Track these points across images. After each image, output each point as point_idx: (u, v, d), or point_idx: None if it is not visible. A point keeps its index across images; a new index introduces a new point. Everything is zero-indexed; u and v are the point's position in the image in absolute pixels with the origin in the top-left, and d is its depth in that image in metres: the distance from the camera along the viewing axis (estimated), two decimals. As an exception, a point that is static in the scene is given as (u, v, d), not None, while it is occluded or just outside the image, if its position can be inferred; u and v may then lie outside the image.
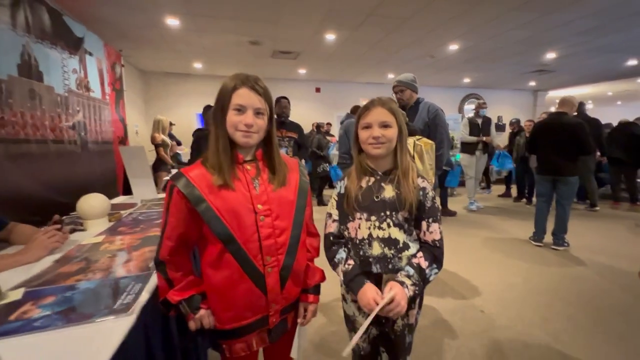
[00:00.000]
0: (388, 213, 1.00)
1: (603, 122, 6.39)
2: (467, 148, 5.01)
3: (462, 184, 5.72)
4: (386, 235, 1.00)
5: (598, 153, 5.07)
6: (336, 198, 1.10)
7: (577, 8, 3.71)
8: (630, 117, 5.42)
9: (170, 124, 4.67)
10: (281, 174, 0.92)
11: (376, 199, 1.01)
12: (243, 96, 0.83)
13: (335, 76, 7.60)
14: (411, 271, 0.97)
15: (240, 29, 4.26)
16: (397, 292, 0.92)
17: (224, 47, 5.07)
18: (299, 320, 1.00)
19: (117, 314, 0.78)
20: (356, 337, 0.84)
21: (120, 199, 2.42)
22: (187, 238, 0.86)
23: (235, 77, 0.85)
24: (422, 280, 0.97)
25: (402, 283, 0.95)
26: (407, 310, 1.06)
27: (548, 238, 3.46)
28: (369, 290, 0.97)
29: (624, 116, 5.59)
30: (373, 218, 1.01)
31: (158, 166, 4.14)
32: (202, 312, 0.86)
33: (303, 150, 3.20)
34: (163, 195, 2.43)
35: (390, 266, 1.01)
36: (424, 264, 0.98)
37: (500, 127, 6.27)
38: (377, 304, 0.91)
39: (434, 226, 1.01)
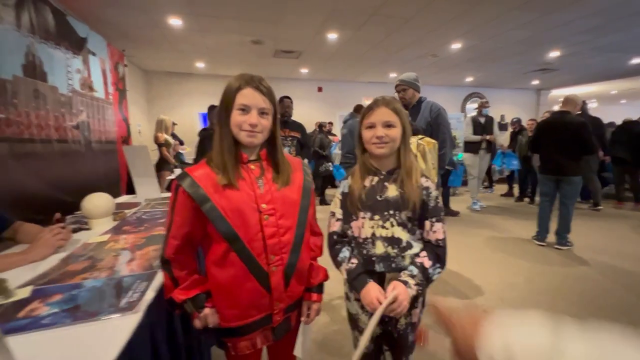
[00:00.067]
0: (391, 212, 1.00)
1: (607, 121, 6.35)
2: (470, 147, 4.98)
3: (464, 183, 5.70)
4: (389, 235, 1.01)
5: (601, 152, 5.04)
6: (340, 197, 1.11)
7: (579, 7, 3.70)
8: (635, 115, 5.39)
9: (173, 123, 4.68)
10: (285, 173, 0.92)
11: (380, 198, 1.01)
12: (247, 96, 0.83)
13: (338, 75, 7.60)
14: (415, 271, 0.97)
15: (242, 28, 4.27)
16: (400, 291, 0.93)
17: (227, 46, 5.08)
18: (302, 319, 1.00)
19: (123, 312, 0.79)
20: (365, 341, 0.84)
21: (124, 198, 2.43)
22: (192, 237, 0.87)
23: (239, 77, 0.85)
24: (426, 279, 0.98)
25: (405, 283, 0.96)
26: (410, 309, 1.07)
27: (551, 238, 3.45)
28: (372, 289, 0.97)
29: (629, 115, 5.56)
30: (376, 217, 1.01)
31: (161, 165, 4.15)
32: (206, 310, 0.87)
33: (306, 149, 3.21)
34: (166, 194, 2.45)
35: (393, 265, 1.02)
36: (428, 263, 0.98)
37: (502, 127, 6.24)
38: (381, 303, 0.92)
39: (438, 226, 1.01)
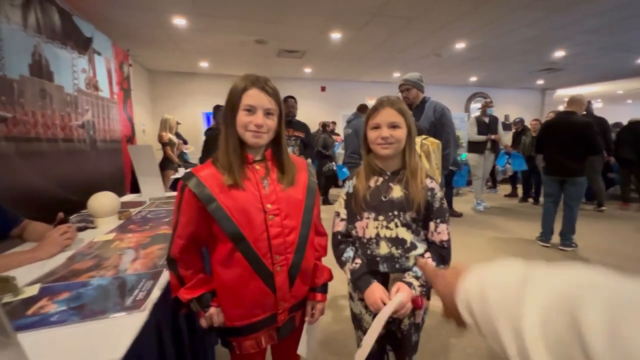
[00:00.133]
0: (396, 213, 1.00)
1: (613, 121, 6.30)
2: (475, 147, 4.92)
3: (468, 183, 5.68)
4: (394, 235, 1.01)
5: (605, 153, 4.99)
6: (344, 197, 1.11)
7: (584, 7, 3.66)
8: (641, 116, 5.33)
9: (177, 123, 4.70)
10: (290, 173, 0.93)
11: (384, 199, 1.01)
12: (253, 97, 0.84)
13: (341, 75, 7.59)
14: (419, 273, 0.97)
15: (246, 28, 4.28)
16: (404, 295, 0.93)
17: (230, 46, 5.09)
18: (306, 319, 1.01)
19: (129, 310, 0.80)
20: (370, 343, 0.84)
21: (129, 197, 2.45)
22: (198, 236, 0.88)
23: (245, 78, 0.86)
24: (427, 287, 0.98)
25: (409, 284, 0.96)
26: (414, 310, 1.07)
27: (555, 239, 3.43)
28: (376, 290, 0.98)
29: (635, 115, 5.50)
30: (381, 218, 1.02)
31: (165, 165, 4.17)
32: (212, 310, 0.88)
33: (309, 149, 3.21)
34: (170, 193, 2.46)
35: (397, 266, 1.02)
36: (432, 264, 0.99)
37: (507, 126, 6.18)
38: (385, 304, 0.92)
39: (442, 227, 1.01)
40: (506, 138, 5.53)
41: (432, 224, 1.02)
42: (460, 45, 5.15)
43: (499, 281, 0.38)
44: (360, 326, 1.17)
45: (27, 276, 1.00)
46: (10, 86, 2.06)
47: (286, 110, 3.10)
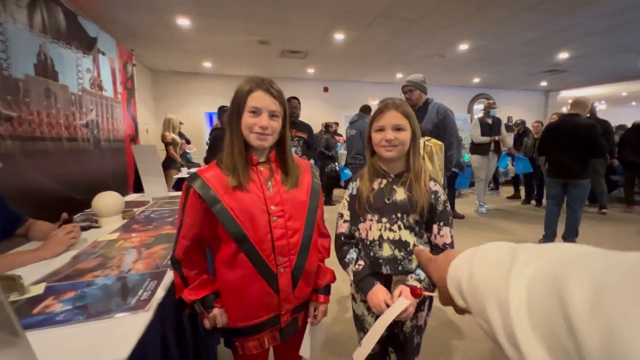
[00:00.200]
0: (399, 215, 1.01)
1: (617, 123, 6.26)
2: (479, 149, 4.88)
3: (471, 184, 5.66)
4: (397, 237, 1.01)
5: (607, 156, 4.97)
6: (348, 199, 1.12)
7: (588, 9, 3.65)
8: (645, 118, 5.29)
9: (180, 123, 4.72)
10: (294, 175, 0.93)
11: (388, 201, 1.02)
12: (258, 99, 0.84)
13: (344, 76, 7.59)
14: (422, 275, 0.98)
15: (249, 28, 4.29)
16: (407, 302, 0.93)
17: (234, 46, 5.10)
18: (309, 320, 1.01)
19: (134, 310, 0.81)
20: (371, 344, 0.84)
21: (132, 197, 2.46)
22: (202, 237, 0.88)
23: (250, 80, 0.86)
24: (433, 284, 0.98)
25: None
26: (416, 312, 1.07)
27: (558, 241, 3.41)
28: (379, 292, 0.98)
29: (639, 117, 5.47)
30: (384, 220, 1.02)
31: (168, 164, 4.19)
32: (215, 311, 0.88)
33: (312, 150, 3.22)
34: (173, 193, 2.47)
35: (400, 268, 1.02)
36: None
37: (510, 128, 6.15)
38: (388, 306, 0.92)
39: (445, 230, 1.01)
40: (509, 140, 5.51)
41: (435, 227, 1.02)
42: (463, 47, 5.14)
43: (486, 260, 0.37)
44: (362, 327, 1.17)
45: (32, 275, 1.00)
46: (16, 86, 2.07)
47: (290, 111, 3.10)
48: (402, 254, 1.01)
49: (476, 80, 8.10)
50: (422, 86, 2.52)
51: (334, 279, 1.05)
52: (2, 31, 1.97)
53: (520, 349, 0.27)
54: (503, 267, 0.32)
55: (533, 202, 5.62)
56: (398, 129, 0.98)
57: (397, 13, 3.75)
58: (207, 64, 6.36)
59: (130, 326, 0.75)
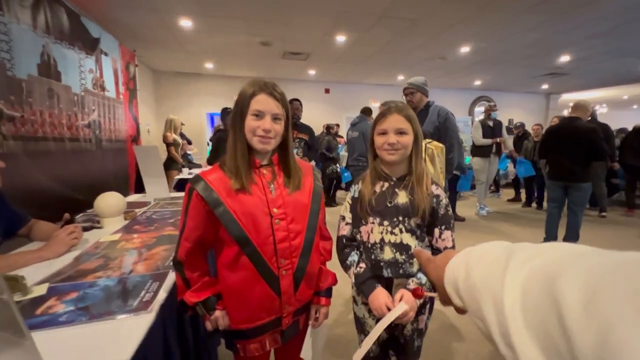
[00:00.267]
0: (401, 219, 1.01)
1: (618, 126, 6.27)
2: (480, 151, 4.87)
3: (472, 187, 5.66)
4: (398, 241, 1.01)
5: (608, 160, 4.96)
6: (350, 201, 1.12)
7: (589, 11, 3.65)
8: (646, 122, 5.29)
9: (181, 124, 4.74)
10: (296, 178, 0.93)
11: (389, 204, 1.02)
12: (261, 102, 0.85)
13: (345, 77, 7.60)
14: (423, 279, 0.98)
15: (251, 30, 4.30)
16: (407, 303, 0.93)
17: (235, 47, 5.11)
18: (310, 322, 1.01)
19: (137, 312, 0.81)
20: (368, 344, 0.85)
21: (134, 197, 2.46)
22: (204, 240, 0.88)
23: (253, 83, 0.86)
24: (433, 286, 0.98)
25: None
26: (417, 316, 1.08)
27: (559, 244, 3.41)
28: (380, 295, 0.98)
29: (640, 121, 5.48)
30: (386, 223, 1.02)
31: (169, 165, 4.20)
32: (217, 313, 0.88)
33: (312, 152, 3.23)
34: (174, 194, 2.48)
35: (401, 271, 1.02)
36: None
37: (511, 130, 6.15)
38: (389, 309, 0.92)
39: (447, 234, 1.02)
40: (510, 142, 5.51)
41: (436, 231, 1.02)
42: (464, 49, 5.15)
43: (483, 259, 0.37)
44: (363, 330, 1.17)
45: (34, 275, 1.01)
46: (19, 86, 2.08)
47: (291, 112, 3.12)
48: (404, 257, 1.01)
49: (477, 82, 8.10)
50: (424, 89, 2.52)
51: (335, 281, 1.05)
52: (6, 31, 1.98)
53: (514, 348, 0.27)
54: (499, 266, 0.32)
55: (534, 204, 5.61)
56: (400, 132, 0.99)
57: (398, 14, 3.76)
58: (209, 65, 6.38)
59: (132, 328, 0.75)
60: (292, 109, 3.16)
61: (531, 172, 5.27)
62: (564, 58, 5.66)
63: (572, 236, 3.27)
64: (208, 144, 7.08)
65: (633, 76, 7.08)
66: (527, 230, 4.25)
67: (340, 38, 4.64)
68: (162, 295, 0.90)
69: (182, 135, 4.78)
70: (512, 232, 4.18)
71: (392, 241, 1.02)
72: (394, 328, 1.13)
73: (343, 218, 1.13)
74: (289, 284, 0.89)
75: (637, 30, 4.27)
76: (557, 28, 4.19)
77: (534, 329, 0.26)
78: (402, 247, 1.01)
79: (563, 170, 3.19)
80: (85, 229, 1.50)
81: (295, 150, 3.06)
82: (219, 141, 3.35)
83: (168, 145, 4.31)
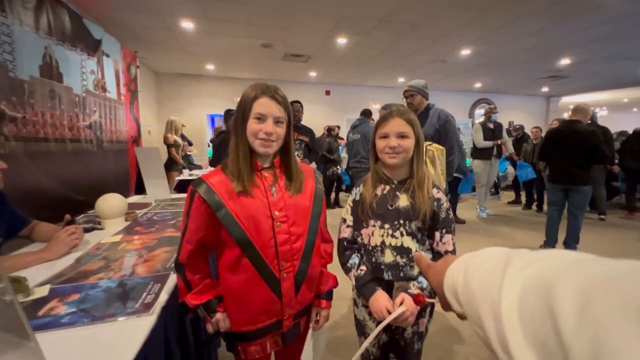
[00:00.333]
0: (402, 222, 1.01)
1: (618, 129, 6.27)
2: (481, 154, 4.86)
3: (473, 189, 5.65)
4: (399, 244, 1.02)
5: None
6: (351, 204, 1.12)
7: (590, 15, 3.67)
8: (646, 125, 5.30)
9: (182, 125, 4.75)
10: (298, 181, 0.94)
11: (390, 208, 1.02)
12: (263, 105, 0.85)
13: (346, 79, 7.62)
14: (425, 283, 0.98)
15: (253, 32, 4.32)
16: (407, 306, 0.93)
17: (237, 49, 5.13)
18: (311, 325, 1.01)
19: (138, 314, 0.81)
20: (365, 344, 0.86)
21: (135, 199, 2.47)
22: (206, 242, 0.89)
23: (255, 87, 0.87)
24: (434, 291, 0.98)
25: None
26: (418, 319, 1.08)
27: (559, 247, 3.41)
28: (381, 298, 0.98)
29: (640, 124, 5.48)
30: (386, 226, 1.02)
31: (170, 166, 4.21)
32: (218, 315, 0.88)
33: (313, 154, 3.24)
34: (175, 195, 2.48)
35: (401, 274, 1.02)
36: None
37: (510, 133, 6.16)
38: (389, 313, 0.92)
39: (447, 237, 1.02)
40: (510, 144, 5.51)
41: (437, 234, 1.03)
42: (465, 52, 5.16)
43: (482, 265, 0.37)
44: (363, 332, 1.17)
45: (36, 277, 1.01)
46: (21, 87, 2.09)
47: (292, 114, 3.13)
48: (404, 260, 1.02)
49: (478, 85, 8.12)
50: (424, 91, 2.53)
51: (336, 284, 1.06)
52: (9, 33, 1.99)
53: (512, 356, 0.27)
54: (497, 274, 0.32)
55: (534, 207, 5.61)
56: (402, 136, 0.99)
57: (399, 18, 3.77)
58: (210, 67, 6.40)
59: (134, 329, 0.75)
60: (292, 110, 3.18)
61: (532, 175, 5.26)
62: (565, 61, 5.67)
63: (572, 239, 3.28)
64: (209, 145, 7.10)
65: (633, 79, 7.10)
66: (527, 233, 4.24)
67: (341, 41, 4.65)
68: (163, 297, 0.90)
69: (182, 137, 4.78)
70: (512, 235, 4.18)
71: (393, 244, 1.02)
72: (395, 331, 1.13)
73: (344, 220, 1.13)
74: (290, 286, 0.90)
75: (637, 34, 4.29)
76: (558, 31, 4.21)
77: (531, 337, 0.26)
78: (402, 250, 1.01)
79: (563, 173, 3.20)
80: (87, 230, 1.51)
81: (296, 152, 3.08)
82: (221, 143, 3.35)
83: (169, 146, 4.32)
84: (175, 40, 4.61)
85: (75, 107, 2.73)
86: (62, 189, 2.41)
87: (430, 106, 2.53)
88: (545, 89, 8.66)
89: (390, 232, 1.02)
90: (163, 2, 3.36)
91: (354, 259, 1.09)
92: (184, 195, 0.99)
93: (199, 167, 4.86)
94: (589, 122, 3.55)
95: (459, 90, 8.88)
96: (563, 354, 0.22)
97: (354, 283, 1.07)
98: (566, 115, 8.10)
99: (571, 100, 9.22)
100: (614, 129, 5.47)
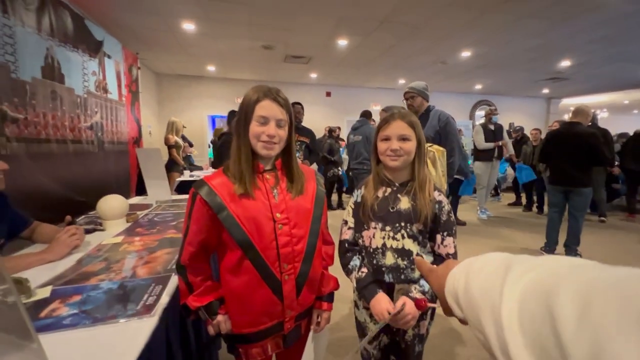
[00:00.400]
0: (403, 224, 1.01)
1: (619, 131, 6.27)
2: (483, 156, 4.86)
3: (474, 191, 5.65)
4: (400, 246, 1.02)
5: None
6: (352, 206, 1.12)
7: (590, 16, 3.68)
8: (647, 126, 5.30)
9: (183, 126, 4.76)
10: (299, 183, 0.94)
11: (392, 210, 1.02)
12: (266, 108, 0.85)
13: (346, 81, 7.63)
14: (426, 287, 0.98)
15: (254, 33, 4.33)
16: (408, 309, 0.93)
17: (238, 51, 5.14)
18: (312, 327, 1.01)
19: (140, 315, 0.81)
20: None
21: (136, 200, 2.47)
22: (208, 244, 0.89)
23: (257, 89, 0.87)
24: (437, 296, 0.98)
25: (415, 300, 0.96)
26: (418, 321, 1.08)
27: (559, 249, 3.40)
28: (382, 300, 0.98)
29: (640, 126, 5.48)
30: (388, 228, 1.02)
31: (170, 167, 4.21)
32: (219, 317, 0.89)
33: (314, 155, 3.24)
34: (176, 196, 2.48)
35: (402, 277, 1.02)
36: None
37: (510, 134, 6.16)
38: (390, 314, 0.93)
39: (449, 240, 1.02)
40: (511, 146, 5.52)
41: (438, 237, 1.03)
42: (465, 54, 5.17)
43: (482, 270, 0.37)
44: (364, 334, 1.17)
45: (38, 278, 1.01)
46: (23, 88, 2.10)
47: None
48: (405, 262, 1.02)
49: (478, 86, 8.13)
50: (424, 93, 2.54)
51: (337, 286, 1.06)
52: (11, 34, 2.00)
53: None
54: (497, 279, 0.33)
55: (534, 209, 5.61)
56: (403, 139, 0.99)
57: (400, 19, 3.78)
58: (211, 68, 6.41)
59: (136, 331, 0.75)
60: (293, 112, 3.20)
61: (532, 177, 5.26)
62: (565, 63, 5.68)
63: (573, 241, 3.27)
64: (209, 146, 7.10)
65: (634, 81, 7.10)
66: (527, 234, 4.24)
67: (342, 42, 4.66)
68: (164, 299, 0.91)
69: (183, 138, 4.79)
70: (513, 236, 4.17)
71: (394, 246, 1.02)
72: (395, 333, 1.13)
73: (345, 222, 1.13)
74: (292, 288, 0.90)
75: (637, 35, 4.30)
76: (559, 33, 4.22)
77: (531, 342, 0.26)
78: (403, 253, 1.01)
79: (564, 174, 3.20)
80: (88, 231, 1.51)
81: (296, 154, 3.09)
82: (223, 144, 3.36)
83: (170, 147, 4.32)
84: (176, 41, 4.62)
85: (76, 108, 2.74)
86: (63, 190, 2.41)
87: (430, 108, 2.53)
88: (545, 91, 8.66)
89: (391, 234, 1.02)
90: (164, 3, 3.37)
91: (355, 261, 1.09)
92: (185, 196, 0.99)
93: (200, 168, 4.87)
94: (590, 124, 3.54)
95: (460, 91, 8.89)
96: (562, 357, 0.22)
97: (355, 285, 1.07)
98: (567, 117, 8.10)
99: (572, 102, 9.22)
100: (614, 130, 5.47)
